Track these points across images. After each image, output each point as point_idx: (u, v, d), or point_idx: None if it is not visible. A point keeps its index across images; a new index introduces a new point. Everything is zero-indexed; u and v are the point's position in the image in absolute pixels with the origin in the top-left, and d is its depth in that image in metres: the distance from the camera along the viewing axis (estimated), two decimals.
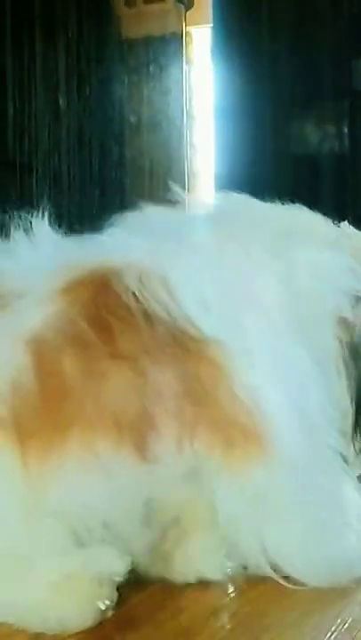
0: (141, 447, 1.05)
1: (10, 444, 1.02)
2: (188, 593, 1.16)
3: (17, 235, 1.18)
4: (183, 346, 1.09)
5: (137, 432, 1.06)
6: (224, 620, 1.09)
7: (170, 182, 1.36)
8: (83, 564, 1.01)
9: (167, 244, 1.19)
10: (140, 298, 1.09)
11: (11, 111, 2.57)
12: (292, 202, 1.36)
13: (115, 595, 1.02)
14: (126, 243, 1.20)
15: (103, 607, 1.00)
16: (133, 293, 1.09)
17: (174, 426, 1.07)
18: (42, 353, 1.05)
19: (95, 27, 3.02)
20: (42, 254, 1.17)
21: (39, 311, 1.08)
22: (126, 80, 3.21)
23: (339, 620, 1.04)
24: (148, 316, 1.09)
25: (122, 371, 1.07)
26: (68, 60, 2.85)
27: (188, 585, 1.17)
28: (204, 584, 1.16)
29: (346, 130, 3.40)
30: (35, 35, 2.69)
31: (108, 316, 1.09)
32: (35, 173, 2.68)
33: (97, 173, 3.01)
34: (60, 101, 2.80)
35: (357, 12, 3.40)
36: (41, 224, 1.21)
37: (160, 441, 1.07)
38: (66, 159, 2.84)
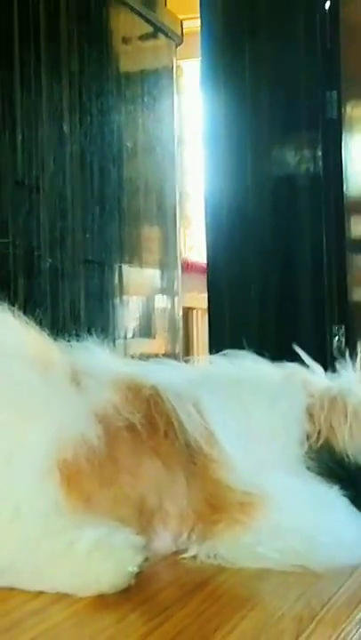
0: (147, 533, 1.20)
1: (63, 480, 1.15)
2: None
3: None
4: (194, 457, 1.24)
5: (148, 520, 1.22)
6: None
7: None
8: (112, 536, 1.07)
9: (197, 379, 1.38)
10: (176, 409, 1.27)
11: (20, 138, 2.58)
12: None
13: (142, 561, 1.08)
14: (166, 371, 1.39)
15: (132, 570, 1.06)
16: (172, 406, 1.27)
17: (177, 522, 1.23)
18: (107, 426, 1.21)
19: (95, 62, 3.03)
20: (109, 359, 1.37)
21: (106, 395, 1.25)
22: (123, 109, 3.22)
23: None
24: (179, 427, 1.25)
25: (155, 465, 1.24)
26: (70, 92, 2.86)
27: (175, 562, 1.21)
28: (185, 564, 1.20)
29: (320, 153, 3.41)
30: (41, 70, 2.70)
31: (156, 418, 1.26)
32: (42, 192, 2.69)
33: (97, 192, 3.02)
34: (64, 129, 2.81)
35: (330, 48, 3.41)
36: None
37: (162, 536, 1.24)
38: (69, 180, 2.85)
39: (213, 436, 1.26)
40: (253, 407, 1.33)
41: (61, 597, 1.08)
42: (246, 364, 1.42)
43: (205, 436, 1.26)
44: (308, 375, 1.40)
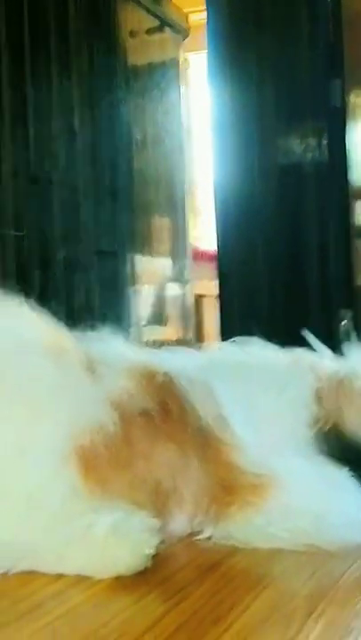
0: (162, 516, 1.20)
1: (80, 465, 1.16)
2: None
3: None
4: (207, 441, 1.25)
5: (163, 502, 1.22)
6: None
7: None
8: (129, 519, 1.08)
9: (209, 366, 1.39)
10: (188, 395, 1.28)
11: (32, 133, 2.59)
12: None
13: (157, 543, 1.09)
14: (178, 358, 1.41)
15: (148, 552, 1.07)
16: (185, 392, 1.28)
17: (191, 506, 1.24)
18: (122, 412, 1.22)
19: (104, 57, 3.03)
20: (123, 347, 1.38)
21: (121, 383, 1.25)
22: (132, 102, 3.22)
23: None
24: (192, 412, 1.26)
25: (169, 450, 1.24)
26: (81, 86, 2.86)
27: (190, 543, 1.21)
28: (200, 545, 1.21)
29: (325, 141, 3.40)
30: (51, 66, 2.70)
31: (169, 404, 1.27)
32: (55, 186, 2.70)
33: (108, 184, 3.03)
34: (75, 123, 2.81)
35: (333, 38, 3.40)
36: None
37: (177, 518, 1.24)
38: (81, 172, 2.85)
39: (225, 421, 1.27)
40: (263, 392, 1.34)
41: (81, 580, 1.09)
42: (255, 350, 1.43)
43: (217, 421, 1.26)
44: (316, 359, 1.41)
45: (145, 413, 1.24)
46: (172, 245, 3.51)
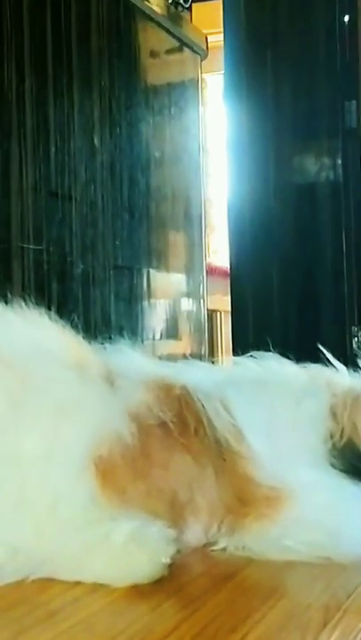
0: (178, 526, 1.21)
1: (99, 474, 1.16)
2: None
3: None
4: (223, 453, 1.25)
5: (180, 513, 1.22)
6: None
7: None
8: (146, 528, 1.09)
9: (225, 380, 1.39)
10: (205, 408, 1.28)
11: (53, 149, 2.60)
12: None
13: (174, 552, 1.09)
14: (195, 372, 1.42)
15: (165, 561, 1.07)
16: (202, 405, 1.28)
17: (207, 516, 1.24)
18: (140, 424, 1.22)
19: (124, 76, 3.04)
20: (141, 360, 1.39)
21: (139, 395, 1.26)
22: (151, 121, 3.23)
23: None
24: (209, 424, 1.26)
25: (186, 461, 1.24)
26: (101, 105, 2.87)
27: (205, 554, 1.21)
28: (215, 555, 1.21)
29: (340, 162, 3.41)
30: (73, 85, 2.72)
31: (186, 416, 1.27)
32: (74, 201, 2.71)
33: (126, 200, 3.04)
34: (95, 140, 2.82)
35: (349, 59, 3.41)
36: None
37: (193, 528, 1.24)
38: (100, 189, 2.86)
39: (241, 434, 1.27)
40: (279, 406, 1.34)
41: (98, 587, 1.09)
42: (272, 365, 1.43)
43: (234, 434, 1.27)
44: (331, 375, 1.41)
45: (162, 425, 1.25)
46: (188, 261, 3.51)
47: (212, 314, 4.20)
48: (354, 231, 3.36)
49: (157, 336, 3.23)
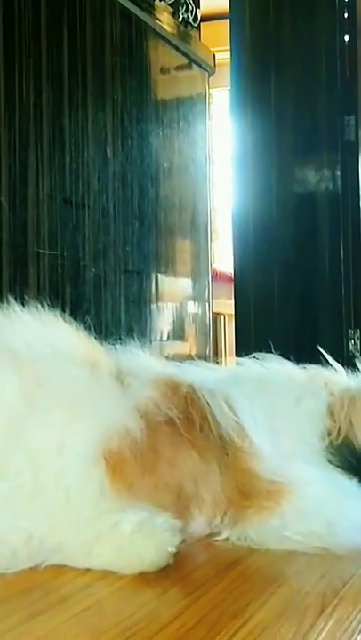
0: (183, 517, 1.20)
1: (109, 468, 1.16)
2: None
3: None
4: (227, 448, 1.25)
5: (185, 505, 1.22)
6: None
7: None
8: (153, 519, 1.09)
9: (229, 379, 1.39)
10: (210, 406, 1.28)
11: (68, 160, 2.60)
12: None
13: (179, 542, 1.09)
14: (201, 372, 1.41)
15: (171, 550, 1.07)
16: (207, 403, 1.28)
17: (211, 508, 1.24)
18: (148, 420, 1.22)
19: (136, 91, 3.04)
20: (149, 360, 1.39)
21: (147, 393, 1.26)
22: (160, 133, 3.23)
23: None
24: (213, 421, 1.26)
25: (192, 456, 1.24)
26: (113, 118, 2.87)
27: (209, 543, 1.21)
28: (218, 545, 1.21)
29: (338, 173, 3.41)
30: (87, 99, 2.72)
31: (192, 413, 1.27)
32: (87, 209, 2.71)
33: (137, 208, 3.04)
34: (108, 151, 2.83)
35: (348, 77, 3.41)
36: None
37: (197, 520, 1.24)
38: (112, 197, 2.86)
39: (244, 430, 1.27)
40: (280, 405, 1.34)
41: (107, 574, 1.09)
42: (273, 366, 1.43)
43: (237, 430, 1.27)
44: (330, 376, 1.41)
45: (169, 422, 1.25)
46: (194, 267, 3.51)
47: (216, 317, 4.21)
48: (351, 239, 3.36)
49: (165, 337, 3.23)
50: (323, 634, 0.89)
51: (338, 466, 1.28)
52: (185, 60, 3.49)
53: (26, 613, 0.96)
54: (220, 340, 4.45)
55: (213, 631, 0.90)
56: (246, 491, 1.24)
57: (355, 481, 1.26)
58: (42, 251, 2.47)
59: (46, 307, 1.31)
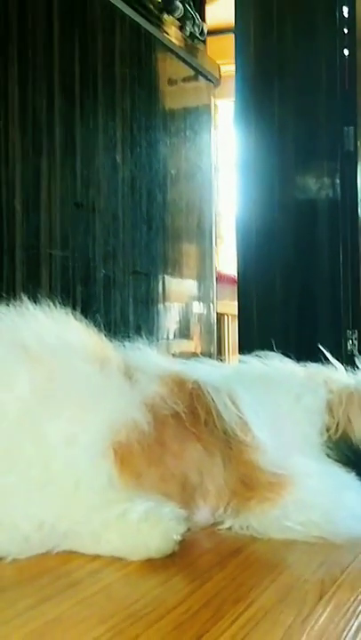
0: (188, 507, 1.20)
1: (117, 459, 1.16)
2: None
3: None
4: (230, 442, 1.25)
5: (190, 495, 1.22)
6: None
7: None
8: (159, 508, 1.09)
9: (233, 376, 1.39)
10: (214, 401, 1.27)
11: (79, 166, 2.60)
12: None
13: (184, 530, 1.09)
14: (206, 368, 1.41)
15: (176, 538, 1.07)
16: (212, 398, 1.27)
17: (215, 499, 1.23)
18: (155, 414, 1.22)
19: (144, 101, 3.04)
20: (156, 357, 1.38)
21: (154, 388, 1.26)
22: (168, 141, 3.23)
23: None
24: (218, 416, 1.26)
25: (197, 449, 1.24)
26: (123, 127, 2.87)
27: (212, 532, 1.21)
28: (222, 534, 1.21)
29: (338, 181, 3.40)
30: (98, 108, 2.72)
31: (197, 408, 1.27)
32: (98, 213, 2.71)
33: (145, 213, 3.04)
34: (117, 158, 2.83)
35: (348, 89, 3.40)
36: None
37: (202, 509, 1.24)
38: (121, 202, 2.86)
39: (247, 425, 1.27)
40: (281, 401, 1.33)
41: (115, 560, 1.09)
42: (275, 364, 1.43)
43: (240, 425, 1.26)
44: (329, 373, 1.40)
45: (175, 416, 1.24)
46: (199, 269, 3.51)
47: (220, 317, 4.20)
48: (350, 244, 3.36)
49: (171, 336, 3.23)
50: (321, 619, 0.89)
51: (336, 460, 1.28)
52: (192, 72, 3.49)
53: (37, 597, 0.96)
54: (224, 338, 4.45)
55: (217, 615, 0.90)
56: (249, 482, 1.23)
57: (352, 474, 1.26)
58: (54, 252, 2.47)
59: (58, 305, 1.31)
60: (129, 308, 2.88)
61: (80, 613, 0.91)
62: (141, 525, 1.10)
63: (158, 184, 3.13)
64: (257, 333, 3.47)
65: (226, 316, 4.40)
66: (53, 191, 2.48)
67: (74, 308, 1.33)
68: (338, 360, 1.46)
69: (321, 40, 3.47)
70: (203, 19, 3.59)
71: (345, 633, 0.85)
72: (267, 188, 3.53)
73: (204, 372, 1.37)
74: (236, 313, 3.65)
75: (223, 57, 3.81)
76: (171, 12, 3.21)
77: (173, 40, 3.24)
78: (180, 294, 3.32)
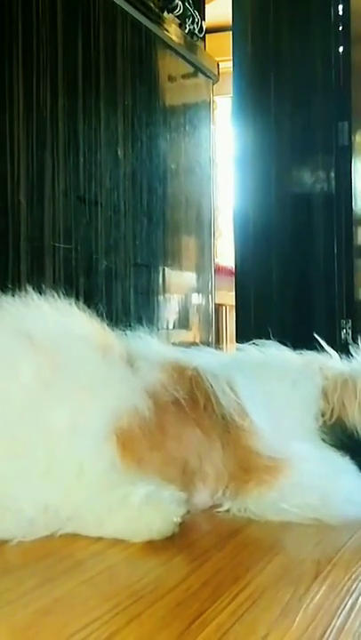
0: (188, 490, 1.20)
1: (119, 444, 1.16)
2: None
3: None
4: (228, 427, 1.25)
5: (190, 479, 1.21)
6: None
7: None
8: (160, 491, 1.09)
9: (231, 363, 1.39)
10: (213, 387, 1.28)
11: (82, 160, 2.60)
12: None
13: (184, 512, 1.09)
14: (205, 356, 1.41)
15: (176, 520, 1.07)
16: (211, 384, 1.28)
17: (214, 482, 1.24)
18: (156, 400, 1.23)
19: (145, 97, 3.04)
20: (157, 345, 1.39)
21: (155, 375, 1.26)
22: (168, 137, 3.22)
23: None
24: (216, 402, 1.26)
25: (196, 434, 1.25)
26: (124, 122, 2.86)
27: (211, 514, 1.22)
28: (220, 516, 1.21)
29: (333, 175, 3.40)
30: (100, 103, 2.71)
31: (197, 394, 1.27)
32: (100, 206, 2.71)
33: (146, 206, 3.03)
34: (119, 153, 2.82)
35: (342, 85, 3.40)
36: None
37: (201, 492, 1.24)
38: (123, 195, 2.86)
39: (244, 411, 1.27)
40: (278, 387, 1.34)
41: (118, 542, 1.09)
42: (271, 352, 1.43)
43: (238, 411, 1.26)
44: (324, 361, 1.41)
45: (176, 402, 1.25)
46: (198, 261, 3.51)
47: (218, 307, 4.20)
48: (344, 236, 3.36)
49: (171, 326, 3.23)
50: (317, 597, 0.89)
51: (331, 444, 1.28)
52: (191, 69, 3.48)
53: (42, 577, 0.96)
54: (222, 328, 4.45)
55: (216, 594, 0.90)
56: (246, 466, 1.24)
57: (347, 458, 1.26)
58: (57, 244, 2.47)
59: (61, 296, 1.31)
60: (130, 298, 2.88)
61: (84, 593, 0.92)
62: (143, 508, 1.11)
63: (159, 178, 3.13)
64: (254, 323, 3.47)
65: (224, 307, 4.40)
66: (57, 185, 2.48)
67: (77, 299, 1.33)
68: (332, 348, 1.46)
69: (316, 38, 3.47)
70: (202, 17, 3.58)
71: (340, 610, 0.86)
72: (264, 182, 3.53)
73: (204, 359, 1.37)
74: (234, 303, 3.65)
75: (222, 54, 3.80)
76: (171, 10, 3.20)
77: (173, 38, 3.23)
78: (179, 285, 3.32)
